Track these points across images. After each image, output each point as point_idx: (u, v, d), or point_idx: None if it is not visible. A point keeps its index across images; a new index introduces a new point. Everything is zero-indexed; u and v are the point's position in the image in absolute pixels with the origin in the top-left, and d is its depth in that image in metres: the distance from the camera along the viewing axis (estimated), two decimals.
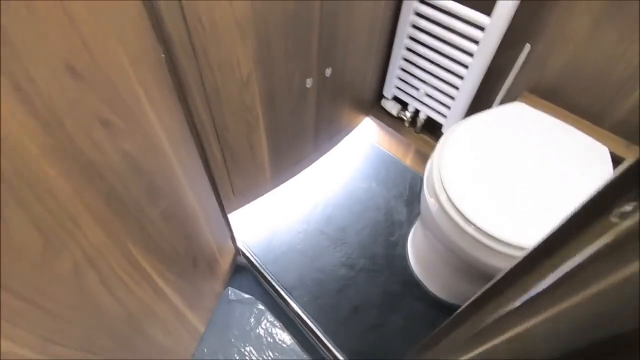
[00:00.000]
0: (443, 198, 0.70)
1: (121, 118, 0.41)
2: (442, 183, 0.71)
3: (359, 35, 0.90)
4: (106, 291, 0.48)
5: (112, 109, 0.39)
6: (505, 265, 0.67)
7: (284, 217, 1.13)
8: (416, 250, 1.05)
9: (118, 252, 0.48)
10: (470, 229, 0.67)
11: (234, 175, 0.84)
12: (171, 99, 0.53)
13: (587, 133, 0.81)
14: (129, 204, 0.47)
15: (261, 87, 0.71)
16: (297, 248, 1.06)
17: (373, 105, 1.27)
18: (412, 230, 1.11)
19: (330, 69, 0.85)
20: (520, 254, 0.65)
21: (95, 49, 0.36)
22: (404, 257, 1.06)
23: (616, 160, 0.77)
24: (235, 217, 0.95)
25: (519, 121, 0.82)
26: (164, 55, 0.49)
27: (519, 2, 0.78)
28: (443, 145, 0.77)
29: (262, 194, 1.00)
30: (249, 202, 0.97)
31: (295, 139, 0.94)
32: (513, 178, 0.72)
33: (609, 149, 0.78)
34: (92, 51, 0.36)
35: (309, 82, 0.81)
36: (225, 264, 0.95)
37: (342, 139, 1.19)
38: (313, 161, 1.11)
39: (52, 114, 0.34)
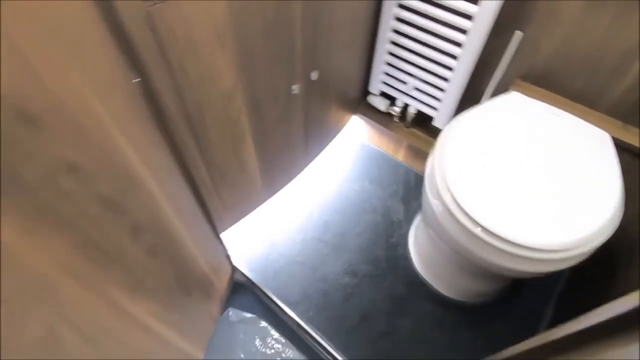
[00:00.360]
0: (448, 199, 0.67)
1: (91, 159, 0.35)
2: (445, 183, 0.67)
3: (342, 33, 0.85)
4: (89, 346, 0.43)
5: (79, 150, 0.34)
6: (515, 266, 0.65)
7: (280, 228, 1.09)
8: (418, 249, 1.02)
9: (100, 302, 0.43)
10: (477, 231, 0.64)
11: (224, 193, 0.79)
12: (148, 125, 0.48)
13: (583, 118, 0.78)
14: (109, 250, 0.42)
15: (246, 99, 0.65)
16: (296, 260, 1.02)
17: (360, 103, 1.23)
18: (412, 229, 1.08)
19: (315, 72, 0.81)
20: (531, 255, 0.62)
21: (51, 85, 0.31)
22: (406, 257, 1.04)
23: (616, 144, 0.75)
24: (230, 235, 0.90)
25: (517, 112, 0.80)
26: (139, 79, 0.44)
27: None
28: (443, 143, 0.73)
29: (255, 208, 0.95)
30: (242, 217, 0.92)
31: (285, 147, 0.89)
32: (519, 174, 0.69)
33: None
34: (48, 88, 0.30)
35: (295, 89, 0.76)
36: (222, 285, 0.91)
37: (331, 140, 1.15)
38: (304, 167, 1.06)
39: (4, 168, 0.28)
